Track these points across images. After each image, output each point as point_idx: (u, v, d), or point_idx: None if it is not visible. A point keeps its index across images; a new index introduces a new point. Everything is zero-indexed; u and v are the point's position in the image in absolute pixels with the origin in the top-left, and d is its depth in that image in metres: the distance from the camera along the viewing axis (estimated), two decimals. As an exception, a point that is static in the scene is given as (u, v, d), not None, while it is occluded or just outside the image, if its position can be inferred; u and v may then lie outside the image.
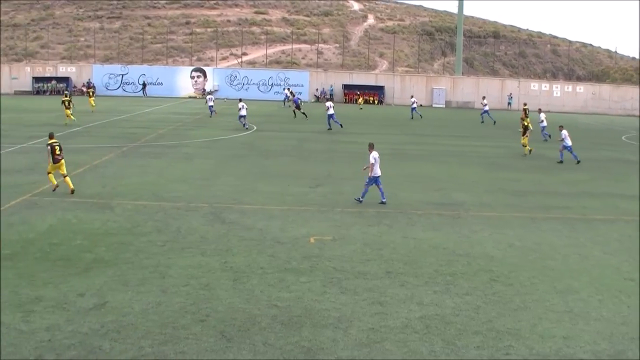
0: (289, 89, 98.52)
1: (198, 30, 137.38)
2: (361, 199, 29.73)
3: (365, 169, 30.18)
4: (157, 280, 18.63)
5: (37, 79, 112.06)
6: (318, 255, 21.22)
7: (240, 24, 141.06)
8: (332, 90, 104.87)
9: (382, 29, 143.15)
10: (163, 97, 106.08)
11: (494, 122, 74.01)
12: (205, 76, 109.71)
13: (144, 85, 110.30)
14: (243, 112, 61.59)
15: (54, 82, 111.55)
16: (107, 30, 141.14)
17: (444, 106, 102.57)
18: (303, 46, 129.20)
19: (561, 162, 44.37)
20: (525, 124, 48.22)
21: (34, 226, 24.44)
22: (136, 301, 16.98)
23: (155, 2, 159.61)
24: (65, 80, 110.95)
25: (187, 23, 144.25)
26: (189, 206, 28.06)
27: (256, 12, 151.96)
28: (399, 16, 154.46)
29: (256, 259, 20.79)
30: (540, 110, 63.93)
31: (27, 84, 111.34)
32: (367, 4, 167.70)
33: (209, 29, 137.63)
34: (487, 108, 76.85)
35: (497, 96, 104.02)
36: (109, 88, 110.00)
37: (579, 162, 44.22)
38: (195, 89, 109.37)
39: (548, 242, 23.93)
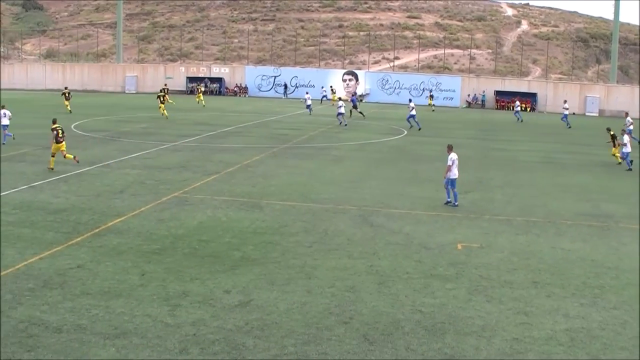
0: (331, 87, 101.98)
1: (351, 33, 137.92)
2: (451, 201, 30.01)
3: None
4: (303, 280, 18.79)
5: (190, 79, 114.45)
6: (464, 262, 21.04)
7: (392, 28, 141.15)
8: (484, 96, 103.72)
9: (535, 35, 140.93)
10: (314, 99, 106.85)
11: (569, 126, 74.01)
12: (357, 79, 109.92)
13: (286, 86, 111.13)
14: (342, 110, 67.06)
15: (207, 82, 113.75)
16: (261, 32, 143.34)
17: (597, 115, 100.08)
18: (455, 51, 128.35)
19: (630, 169, 43.01)
20: (612, 133, 46.47)
21: (184, 222, 25.01)
22: (281, 300, 17.16)
23: (309, 5, 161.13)
24: (218, 80, 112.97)
25: (340, 26, 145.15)
26: (337, 208, 28.20)
27: (409, 17, 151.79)
28: (552, 22, 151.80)
29: (402, 263, 20.75)
30: (626, 114, 64.00)
31: (181, 84, 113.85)
32: (520, 9, 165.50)
33: (361, 33, 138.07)
34: (567, 112, 76.90)
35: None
36: (261, 89, 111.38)
37: (630, 169, 42.98)
38: (347, 92, 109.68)
39: (703, 258, 23.11)
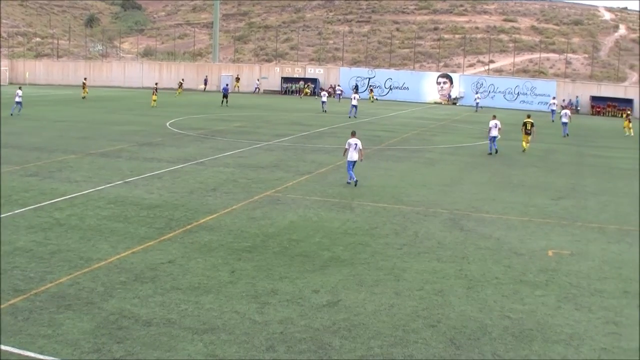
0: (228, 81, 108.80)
1: (446, 36, 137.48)
2: (349, 181, 33.15)
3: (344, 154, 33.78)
4: (392, 282, 18.78)
5: (285, 79, 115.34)
6: (555, 270, 20.79)
7: (488, 31, 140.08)
8: (578, 101, 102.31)
9: (633, 40, 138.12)
10: (408, 102, 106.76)
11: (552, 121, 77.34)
12: (451, 82, 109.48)
13: (357, 87, 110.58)
14: (324, 99, 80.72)
15: (301, 82, 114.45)
16: (356, 33, 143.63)
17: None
18: (551, 55, 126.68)
19: (490, 153, 46.93)
20: (531, 120, 49.46)
21: (275, 221, 25.18)
22: (369, 301, 17.18)
23: (404, 7, 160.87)
24: (313, 81, 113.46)
25: (436, 29, 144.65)
26: (428, 211, 28.12)
27: (505, 20, 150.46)
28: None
29: (492, 268, 20.60)
30: (565, 107, 74.11)
31: (275, 84, 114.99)
32: (618, 13, 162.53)
33: (457, 36, 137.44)
34: (554, 107, 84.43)
35: None
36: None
37: (490, 153, 46.90)
38: (441, 95, 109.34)
39: None
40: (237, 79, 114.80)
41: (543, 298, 18.08)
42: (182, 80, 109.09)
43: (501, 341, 15.14)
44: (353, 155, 32.86)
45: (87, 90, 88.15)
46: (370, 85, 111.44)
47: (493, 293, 18.28)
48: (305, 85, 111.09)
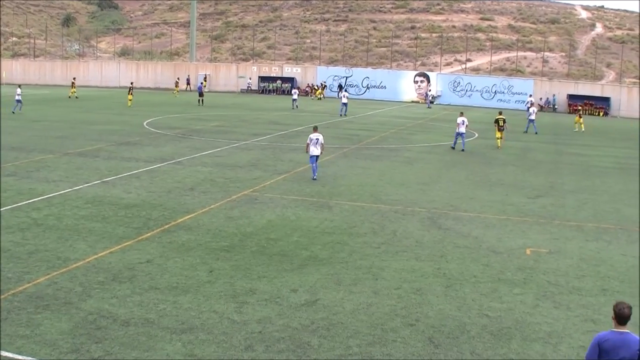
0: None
1: (423, 35, 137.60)
2: (314, 177, 34.21)
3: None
4: (370, 281, 18.78)
5: (262, 79, 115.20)
6: (533, 268, 20.85)
7: (465, 30, 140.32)
8: (554, 99, 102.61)
9: (610, 38, 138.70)
10: (386, 100, 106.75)
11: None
12: (428, 81, 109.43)
13: (340, 86, 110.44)
14: (295, 97, 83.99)
15: (279, 82, 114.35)
16: (333, 32, 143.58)
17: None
18: (528, 54, 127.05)
19: (453, 148, 49.00)
20: (503, 119, 51.35)
21: (253, 221, 25.15)
22: (347, 300, 17.18)
23: (381, 6, 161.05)
24: (290, 80, 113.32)
25: (413, 28, 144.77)
26: (406, 210, 28.14)
27: (482, 19, 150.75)
28: (628, 25, 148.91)
29: (470, 267, 20.63)
30: (532, 104, 76.06)
31: (253, 83, 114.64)
32: (595, 12, 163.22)
33: (434, 34, 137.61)
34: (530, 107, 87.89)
35: None
36: (332, 90, 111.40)
37: (453, 148, 48.85)
38: (418, 93, 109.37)
39: None
40: (204, 79, 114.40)
41: (521, 296, 18.13)
42: (178, 79, 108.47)
43: (480, 339, 15.17)
44: (314, 150, 33.87)
45: (75, 89, 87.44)
46: (323, 82, 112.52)
47: (471, 291, 18.32)
48: (320, 85, 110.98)
